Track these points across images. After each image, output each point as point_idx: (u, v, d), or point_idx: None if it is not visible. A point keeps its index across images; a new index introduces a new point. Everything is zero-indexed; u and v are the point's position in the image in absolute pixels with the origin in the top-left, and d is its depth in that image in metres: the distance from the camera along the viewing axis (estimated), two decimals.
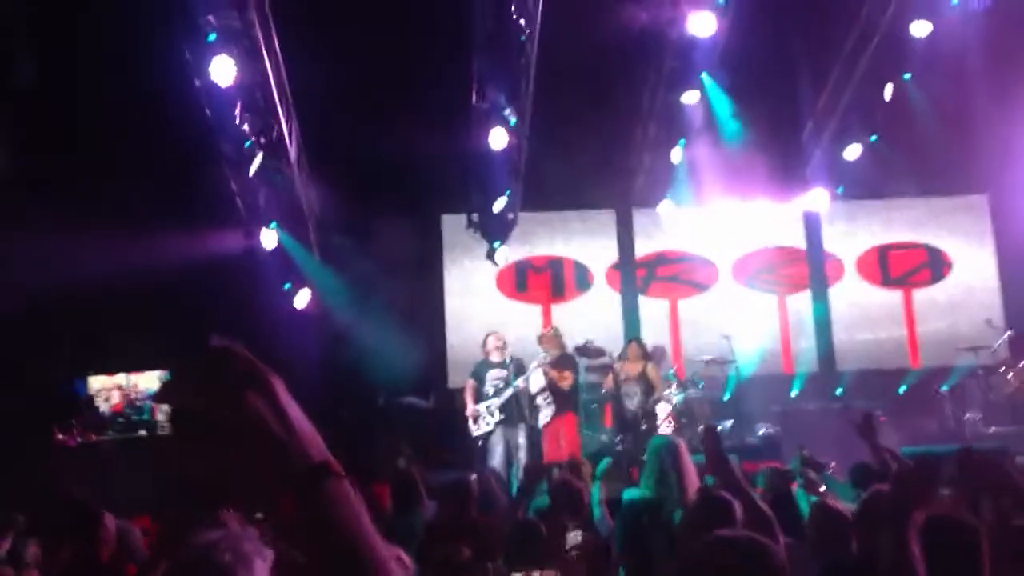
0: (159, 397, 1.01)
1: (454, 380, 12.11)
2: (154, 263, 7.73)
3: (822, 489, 5.64)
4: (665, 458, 4.63)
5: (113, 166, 7.62)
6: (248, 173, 9.41)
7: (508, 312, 13.02)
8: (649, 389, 10.00)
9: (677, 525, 4.04)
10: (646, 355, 10.19)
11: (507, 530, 4.07)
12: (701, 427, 10.64)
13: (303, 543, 0.98)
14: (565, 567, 2.04)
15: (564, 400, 9.76)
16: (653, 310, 13.38)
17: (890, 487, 2.65)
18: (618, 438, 9.20)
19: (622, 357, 10.11)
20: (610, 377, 10.18)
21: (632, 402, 9.64)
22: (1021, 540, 2.56)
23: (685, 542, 3.45)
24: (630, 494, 4.76)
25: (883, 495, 3.84)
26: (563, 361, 9.86)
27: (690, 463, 4.70)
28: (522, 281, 13.42)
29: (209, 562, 2.18)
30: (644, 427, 9.07)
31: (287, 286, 10.89)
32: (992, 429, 10.03)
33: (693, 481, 4.54)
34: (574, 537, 3.19)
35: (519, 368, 9.73)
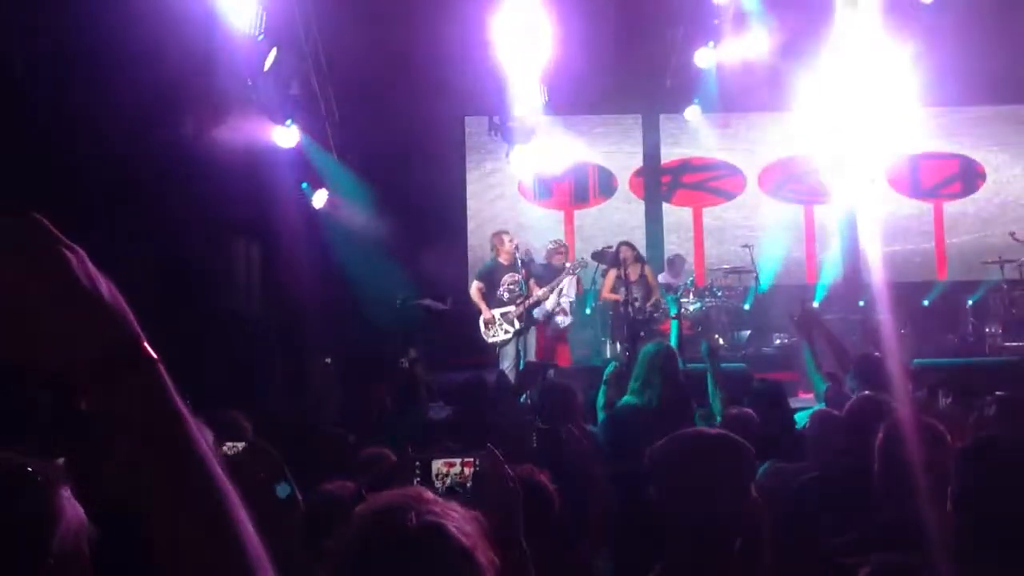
0: None
1: None
2: (160, 159, 7.66)
3: None
4: (653, 363, 4.60)
5: (116, 55, 7.49)
6: (262, 68, 9.25)
7: (530, 216, 12.92)
8: (648, 293, 9.85)
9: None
10: (640, 257, 10.01)
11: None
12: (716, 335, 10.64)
13: (108, 434, 0.92)
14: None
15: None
16: (677, 217, 13.22)
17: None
18: (626, 345, 9.14)
19: (617, 262, 9.86)
20: (612, 282, 9.99)
21: (635, 307, 9.52)
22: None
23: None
24: (624, 400, 4.76)
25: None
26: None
27: (678, 370, 4.66)
28: (545, 186, 13.26)
29: None
30: (643, 333, 8.98)
31: (304, 186, 10.80)
32: (1011, 344, 9.87)
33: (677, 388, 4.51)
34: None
35: (530, 270, 9.67)
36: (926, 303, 12.02)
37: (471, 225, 12.96)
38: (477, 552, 1.27)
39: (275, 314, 10.10)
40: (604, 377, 5.94)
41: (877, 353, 4.89)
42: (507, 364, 9.37)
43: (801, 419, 5.04)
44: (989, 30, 11.43)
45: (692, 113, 12.74)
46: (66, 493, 1.49)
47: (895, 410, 3.11)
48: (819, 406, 5.97)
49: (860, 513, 2.99)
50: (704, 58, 11.93)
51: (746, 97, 12.13)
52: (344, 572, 1.28)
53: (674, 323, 8.46)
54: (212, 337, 8.19)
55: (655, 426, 3.93)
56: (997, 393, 3.78)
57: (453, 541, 1.26)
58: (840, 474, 3.64)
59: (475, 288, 9.80)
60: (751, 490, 2.11)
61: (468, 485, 2.14)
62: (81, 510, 1.47)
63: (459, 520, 1.30)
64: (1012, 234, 10.86)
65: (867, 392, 3.95)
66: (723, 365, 6.53)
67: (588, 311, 11.78)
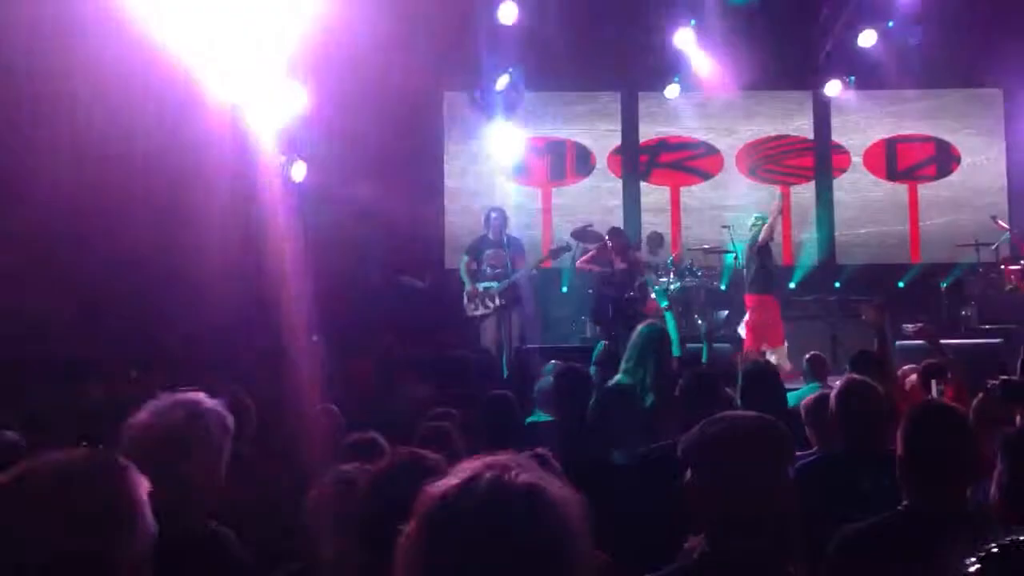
0: None
1: (451, 261, 12.05)
2: (138, 135, 7.54)
3: None
4: (648, 344, 4.61)
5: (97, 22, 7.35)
6: None
7: (507, 193, 12.84)
8: (633, 277, 9.77)
9: (651, 408, 4.03)
10: (627, 247, 9.89)
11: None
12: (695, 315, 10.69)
13: None
14: None
15: None
16: (654, 196, 13.22)
17: None
18: (608, 326, 9.15)
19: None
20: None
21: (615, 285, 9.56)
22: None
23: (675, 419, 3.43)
24: (616, 380, 4.75)
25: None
26: None
27: (671, 354, 4.69)
28: (522, 162, 13.18)
29: None
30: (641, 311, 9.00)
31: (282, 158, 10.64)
32: (986, 326, 10.00)
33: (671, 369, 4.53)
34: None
35: (517, 248, 9.71)
36: (901, 285, 12.15)
37: (449, 202, 12.87)
38: (576, 519, 1.33)
39: (256, 291, 9.98)
40: (593, 358, 5.94)
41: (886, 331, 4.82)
42: (487, 342, 9.44)
43: (792, 400, 5.06)
44: (963, 13, 11.51)
45: (671, 92, 12.73)
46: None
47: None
48: (808, 387, 6.03)
49: (869, 497, 2.99)
50: (684, 37, 11.93)
51: (726, 76, 12.14)
52: (440, 522, 1.29)
53: (668, 314, 8.44)
54: (193, 315, 8.09)
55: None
56: (1001, 377, 3.81)
57: (555, 502, 1.31)
58: (842, 457, 3.66)
59: (464, 263, 9.92)
60: (788, 474, 2.10)
61: None
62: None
63: (559, 487, 1.35)
64: (994, 218, 10.99)
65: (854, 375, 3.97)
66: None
67: (564, 290, 11.80)
